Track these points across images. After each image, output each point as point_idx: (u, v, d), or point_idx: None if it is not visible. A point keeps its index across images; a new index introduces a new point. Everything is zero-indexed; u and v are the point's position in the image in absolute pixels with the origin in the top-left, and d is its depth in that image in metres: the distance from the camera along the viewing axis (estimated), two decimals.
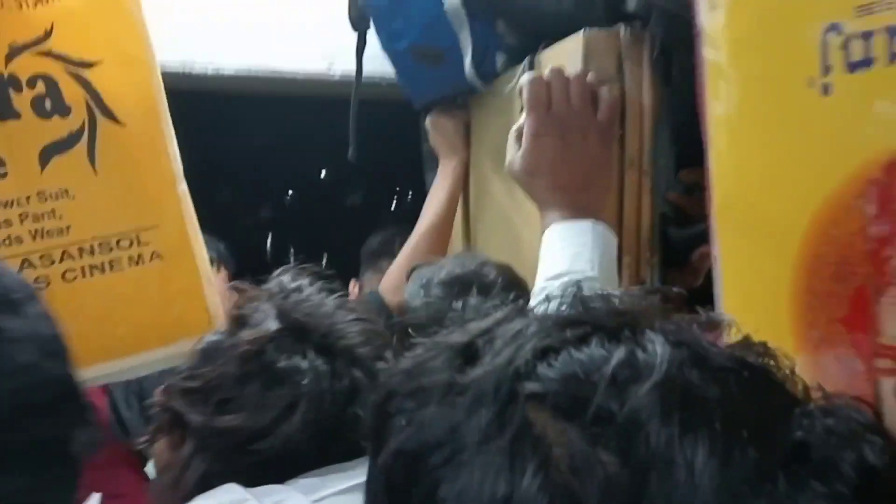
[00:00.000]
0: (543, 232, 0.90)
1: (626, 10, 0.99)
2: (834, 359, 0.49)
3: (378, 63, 1.47)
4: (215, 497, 0.61)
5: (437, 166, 1.57)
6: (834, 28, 0.48)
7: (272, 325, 0.69)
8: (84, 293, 0.83)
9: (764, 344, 0.41)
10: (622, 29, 1.01)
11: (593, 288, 0.76)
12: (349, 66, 1.52)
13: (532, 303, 0.85)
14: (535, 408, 0.36)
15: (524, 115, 0.91)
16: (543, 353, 0.38)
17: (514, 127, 0.93)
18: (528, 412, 0.36)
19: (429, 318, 0.96)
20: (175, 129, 0.94)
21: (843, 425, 0.37)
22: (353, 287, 1.78)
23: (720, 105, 0.57)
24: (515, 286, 1.00)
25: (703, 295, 1.13)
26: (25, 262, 0.80)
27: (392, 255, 1.55)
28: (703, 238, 1.14)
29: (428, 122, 1.49)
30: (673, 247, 1.02)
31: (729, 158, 0.57)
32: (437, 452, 0.36)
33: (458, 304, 0.97)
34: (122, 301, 0.85)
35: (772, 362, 0.40)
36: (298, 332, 0.69)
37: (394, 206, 1.84)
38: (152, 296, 0.86)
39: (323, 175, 1.63)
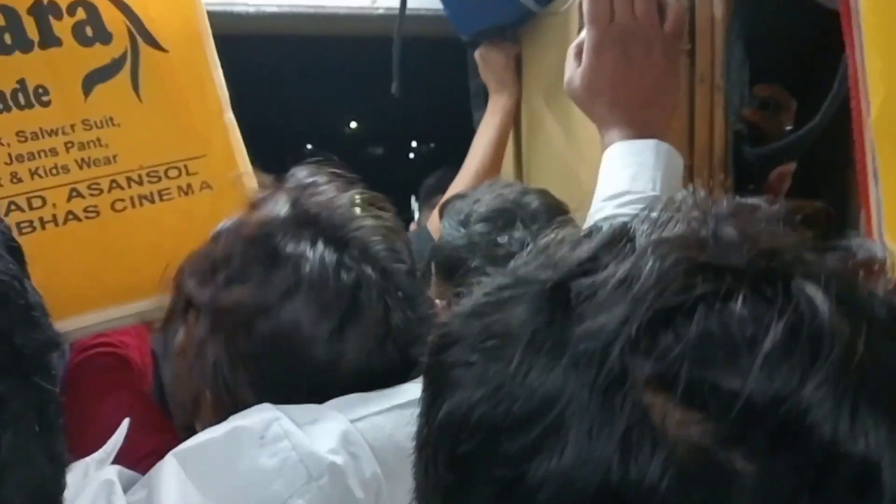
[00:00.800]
0: (603, 153, 0.85)
1: None
2: None
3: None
4: (249, 416, 0.59)
5: (485, 104, 1.51)
6: None
7: (283, 210, 0.68)
8: (135, 223, 0.81)
9: None
10: None
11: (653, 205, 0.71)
12: (391, 2, 1.46)
13: (586, 225, 0.81)
14: (655, 391, 0.28)
15: (584, 30, 0.86)
16: (667, 317, 0.28)
17: (574, 43, 0.87)
18: (645, 397, 0.28)
19: (473, 254, 0.93)
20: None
21: None
22: (413, 227, 1.76)
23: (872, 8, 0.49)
24: (561, 214, 0.96)
25: None
26: (74, 192, 0.78)
27: (445, 190, 1.52)
28: (781, 156, 1.08)
29: (477, 55, 1.43)
30: (749, 166, 0.95)
31: (888, 62, 0.49)
32: (523, 429, 0.29)
33: (504, 239, 0.93)
34: (173, 231, 0.83)
35: None
36: (309, 220, 0.67)
37: (413, 155, 1.81)
38: (204, 226, 0.83)
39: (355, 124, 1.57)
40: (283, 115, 1.76)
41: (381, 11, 1.49)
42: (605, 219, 0.79)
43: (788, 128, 1.03)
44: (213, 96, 0.86)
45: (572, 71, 0.87)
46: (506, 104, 1.39)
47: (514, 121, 1.43)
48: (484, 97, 1.52)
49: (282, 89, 1.70)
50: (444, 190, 1.55)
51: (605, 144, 0.85)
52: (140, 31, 0.83)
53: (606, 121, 0.85)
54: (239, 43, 1.49)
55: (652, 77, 0.84)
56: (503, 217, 0.94)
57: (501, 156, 1.42)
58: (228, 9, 1.41)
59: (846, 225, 0.88)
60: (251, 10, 1.42)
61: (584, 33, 0.86)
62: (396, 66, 1.38)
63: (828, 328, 0.27)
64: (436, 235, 1.34)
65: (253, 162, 0.90)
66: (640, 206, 0.61)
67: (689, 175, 0.94)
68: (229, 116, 0.88)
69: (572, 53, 0.87)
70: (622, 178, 0.81)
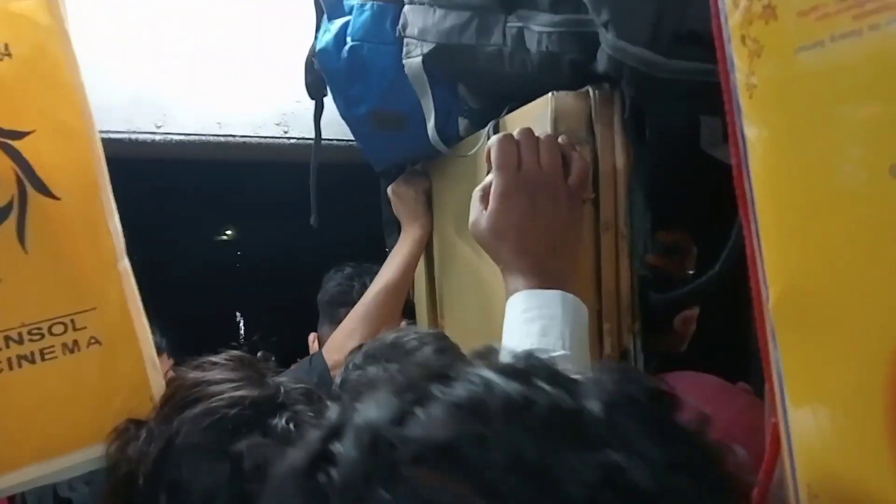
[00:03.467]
0: (507, 299, 0.85)
1: (594, 72, 0.96)
2: None
3: (335, 128, 1.42)
4: None
5: (397, 231, 1.52)
6: None
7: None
8: (11, 388, 0.74)
9: None
10: (591, 90, 0.98)
11: (565, 367, 0.72)
12: (304, 131, 1.47)
13: None
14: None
15: (491, 174, 0.87)
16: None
17: (479, 186, 0.89)
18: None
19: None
20: (120, 198, 0.87)
21: None
22: (313, 341, 1.69)
23: (767, 186, 0.49)
24: (445, 352, 0.98)
25: (685, 360, 1.08)
26: None
27: (350, 303, 1.49)
28: (685, 302, 1.11)
29: (389, 191, 1.45)
30: (654, 312, 0.97)
31: (788, 243, 0.49)
32: None
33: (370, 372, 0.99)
34: (55, 394, 0.76)
35: None
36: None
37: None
38: (90, 386, 0.77)
39: (279, 243, 1.55)
40: (191, 239, 1.72)
41: (293, 141, 1.50)
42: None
43: (691, 272, 1.07)
44: (107, 245, 0.81)
45: (478, 213, 0.87)
46: (416, 235, 1.41)
47: (425, 252, 1.44)
48: (396, 224, 1.52)
49: (188, 213, 1.66)
50: (349, 303, 1.52)
51: (510, 290, 0.85)
52: (30, 178, 0.78)
53: (511, 265, 0.85)
54: (147, 167, 1.46)
55: (558, 225, 0.85)
56: (378, 354, 1.03)
57: (406, 283, 1.43)
58: (135, 136, 1.38)
59: (749, 372, 0.90)
60: (157, 138, 1.40)
61: (489, 177, 0.88)
62: (314, 198, 1.37)
63: None
64: (336, 357, 1.31)
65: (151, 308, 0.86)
66: None
67: (598, 319, 0.94)
68: (124, 265, 0.83)
69: (477, 196, 0.88)
70: (531, 333, 0.81)
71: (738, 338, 0.96)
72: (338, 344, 1.35)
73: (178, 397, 0.75)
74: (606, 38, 0.89)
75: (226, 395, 0.73)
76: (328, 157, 1.47)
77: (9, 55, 0.78)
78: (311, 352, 1.61)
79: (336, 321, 1.55)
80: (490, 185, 0.87)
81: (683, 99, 0.93)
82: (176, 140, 1.41)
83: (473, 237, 0.89)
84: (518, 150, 0.87)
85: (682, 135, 0.96)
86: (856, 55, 0.42)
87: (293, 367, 1.41)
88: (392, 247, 1.51)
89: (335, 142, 1.48)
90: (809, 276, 0.48)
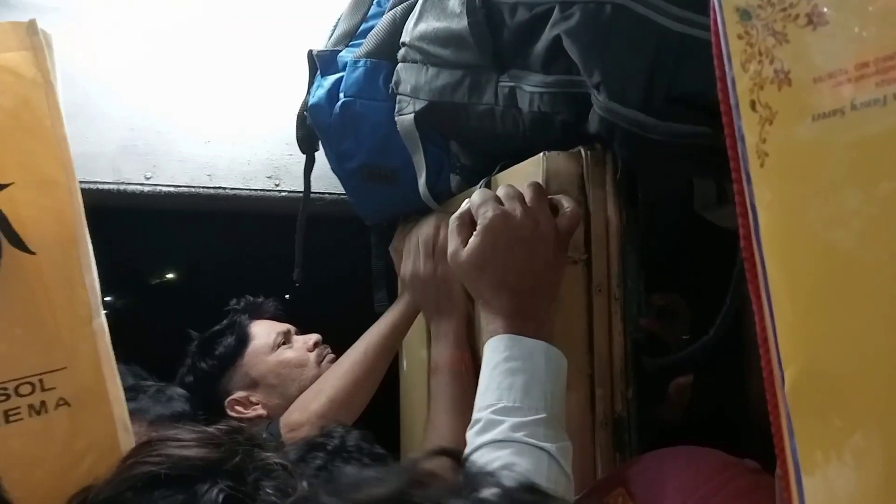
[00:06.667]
0: (486, 339, 0.83)
1: (586, 132, 0.95)
2: None
3: (326, 181, 1.41)
4: None
5: (385, 285, 1.49)
6: None
7: None
8: None
9: None
10: (582, 151, 0.97)
11: (546, 433, 0.70)
12: (296, 184, 1.46)
13: (476, 431, 0.77)
14: None
15: (466, 204, 0.88)
16: None
17: (456, 215, 0.88)
18: None
19: None
20: (105, 248, 0.85)
21: None
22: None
23: (780, 259, 0.47)
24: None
25: (680, 430, 1.05)
26: None
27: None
28: (680, 368, 1.09)
29: (391, 249, 1.41)
30: (648, 378, 0.94)
31: (805, 322, 0.46)
32: None
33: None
34: (18, 459, 0.72)
35: None
36: None
37: None
38: (57, 451, 0.73)
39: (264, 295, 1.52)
40: (177, 292, 1.70)
41: (284, 194, 1.48)
42: (500, 442, 0.76)
43: (685, 337, 1.04)
44: (81, 301, 0.79)
45: (456, 245, 0.87)
46: (409, 299, 1.34)
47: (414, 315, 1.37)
48: (386, 278, 1.50)
49: (178, 265, 1.65)
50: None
51: (489, 330, 0.84)
52: (6, 232, 0.76)
53: (490, 303, 0.85)
54: (137, 219, 1.44)
55: (541, 264, 0.84)
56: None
57: (392, 349, 1.33)
58: (127, 187, 1.36)
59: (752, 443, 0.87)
60: (146, 189, 1.38)
61: (464, 205, 0.88)
62: (299, 252, 1.35)
63: None
64: (297, 416, 1.23)
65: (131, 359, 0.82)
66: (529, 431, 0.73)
67: (590, 385, 0.92)
68: (99, 322, 0.80)
69: (455, 226, 0.88)
70: (515, 387, 0.80)
71: (738, 406, 0.93)
72: (302, 404, 1.27)
73: (131, 456, 0.70)
74: (598, 99, 0.88)
75: (168, 453, 0.68)
76: (318, 210, 1.46)
77: None
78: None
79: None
80: (467, 213, 0.87)
81: (676, 161, 0.92)
82: (165, 192, 1.40)
83: (453, 268, 0.89)
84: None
85: (675, 197, 0.95)
86: (880, 123, 0.40)
87: None
88: (381, 302, 1.47)
89: (326, 195, 1.47)
90: (829, 357, 0.45)
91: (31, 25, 0.80)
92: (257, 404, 1.41)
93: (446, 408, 1.10)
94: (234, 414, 1.40)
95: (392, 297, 1.45)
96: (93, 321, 0.79)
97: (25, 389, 0.73)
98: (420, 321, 1.32)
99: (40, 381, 0.74)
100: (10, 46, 0.80)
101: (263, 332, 1.47)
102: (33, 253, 0.77)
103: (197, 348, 1.45)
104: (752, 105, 0.49)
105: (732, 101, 0.51)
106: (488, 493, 0.40)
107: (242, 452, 0.69)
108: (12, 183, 0.77)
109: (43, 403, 0.74)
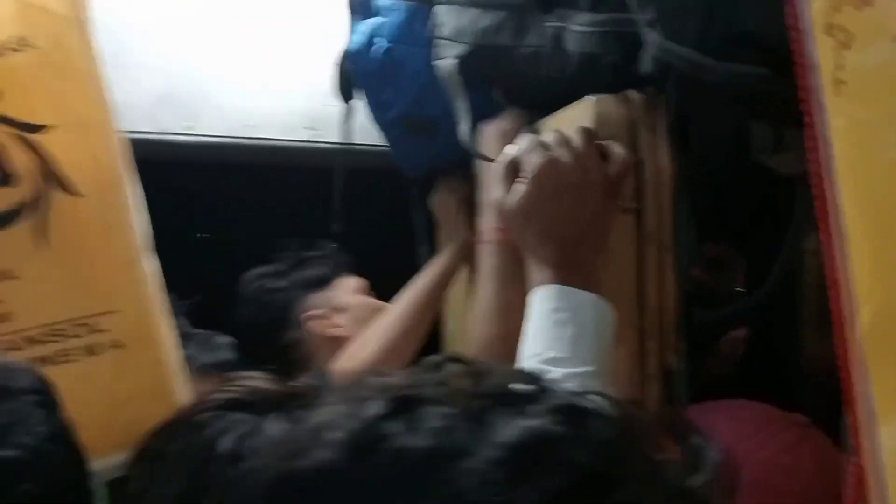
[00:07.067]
0: (533, 287, 0.82)
1: (636, 75, 0.91)
2: None
3: (366, 133, 1.39)
4: None
5: (429, 238, 1.48)
6: None
7: None
8: None
9: None
10: (633, 94, 0.93)
11: (594, 387, 0.68)
12: (333, 135, 1.44)
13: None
14: None
15: (512, 150, 0.85)
16: None
17: (501, 162, 0.85)
18: None
19: None
20: (149, 200, 0.85)
21: None
22: None
23: (858, 192, 0.44)
24: None
25: (730, 384, 1.03)
26: None
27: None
28: (733, 322, 1.06)
29: (431, 201, 1.39)
30: (699, 331, 0.92)
31: (884, 257, 0.44)
32: None
33: None
34: (73, 399, 0.73)
35: None
36: None
37: None
38: (110, 392, 0.74)
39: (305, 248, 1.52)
40: (218, 245, 1.70)
41: (321, 144, 1.47)
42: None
43: (737, 289, 1.01)
44: (129, 244, 0.79)
45: (503, 191, 0.85)
46: (453, 248, 1.33)
47: (464, 265, 1.35)
48: (427, 232, 1.48)
49: (216, 218, 1.65)
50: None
51: (535, 280, 0.82)
52: (50, 174, 0.76)
53: (536, 252, 0.83)
54: (175, 170, 1.44)
55: (588, 212, 0.82)
56: None
57: (436, 301, 1.32)
58: (166, 137, 1.36)
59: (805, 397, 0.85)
60: (187, 139, 1.38)
61: (510, 149, 0.85)
62: (337, 201, 1.34)
63: None
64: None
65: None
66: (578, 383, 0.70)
67: (640, 337, 0.90)
68: (149, 266, 0.80)
69: (500, 172, 0.85)
70: (563, 339, 0.78)
71: (791, 360, 0.91)
72: (350, 353, 1.27)
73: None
74: (651, 37, 0.85)
75: (245, 385, 0.68)
76: (358, 162, 1.44)
77: (26, 47, 0.75)
78: None
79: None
80: (514, 161, 0.84)
81: (733, 104, 0.89)
82: (206, 142, 1.39)
83: (498, 215, 0.86)
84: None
85: (729, 142, 0.92)
86: None
87: None
88: (423, 256, 1.46)
89: (366, 147, 1.45)
90: None
91: None
92: (340, 326, 1.41)
93: (487, 276, 1.09)
94: (307, 329, 1.41)
95: (434, 251, 1.44)
96: (141, 263, 0.79)
97: (78, 331, 0.74)
98: (464, 277, 1.31)
99: (92, 322, 0.74)
100: None
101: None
102: (79, 195, 0.77)
103: (282, 267, 1.45)
104: (828, 29, 0.46)
105: (803, 27, 0.48)
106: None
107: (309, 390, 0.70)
108: (53, 125, 0.77)
109: (96, 345, 0.74)
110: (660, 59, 0.84)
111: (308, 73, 1.48)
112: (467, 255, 1.32)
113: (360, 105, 1.32)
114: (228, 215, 1.64)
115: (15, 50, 0.73)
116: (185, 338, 1.22)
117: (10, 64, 0.73)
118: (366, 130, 1.37)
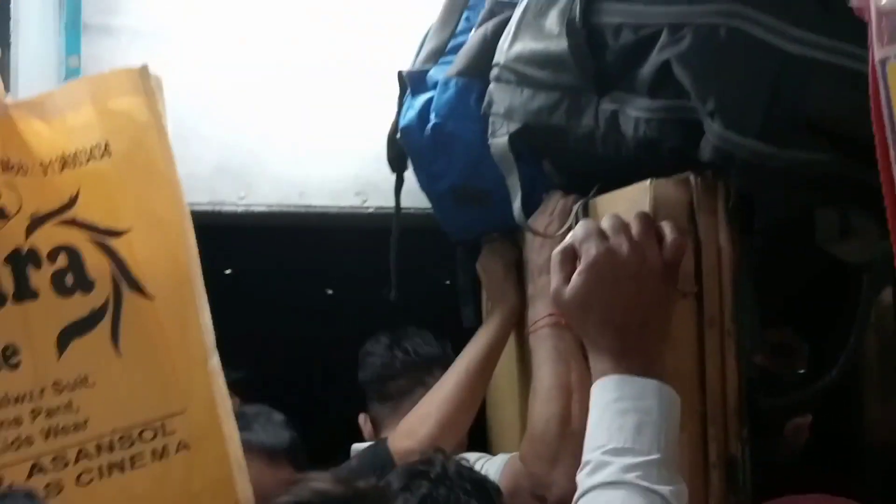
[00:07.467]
0: (594, 381, 0.81)
1: (695, 157, 0.91)
2: None
3: (411, 196, 1.41)
4: None
5: (473, 300, 1.48)
6: None
7: None
8: (100, 497, 0.72)
9: None
10: (692, 177, 0.93)
11: (659, 475, 0.67)
12: (382, 200, 1.46)
13: (587, 472, 0.76)
14: None
15: (569, 238, 0.84)
16: None
17: (558, 249, 0.85)
18: None
19: None
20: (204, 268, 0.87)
21: None
22: (364, 422, 1.60)
23: None
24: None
25: (795, 472, 1.00)
26: (35, 468, 0.70)
27: (395, 375, 1.46)
28: (797, 409, 1.04)
29: (478, 266, 1.39)
30: (763, 417, 0.90)
31: None
32: None
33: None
34: (142, 502, 0.74)
35: None
36: None
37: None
38: (176, 492, 0.75)
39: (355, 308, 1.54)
40: (272, 310, 1.72)
41: (370, 210, 1.49)
42: (611, 484, 0.74)
43: (801, 371, 1.00)
44: (197, 343, 0.80)
45: (560, 282, 0.83)
46: (503, 314, 1.31)
47: (512, 330, 1.34)
48: (472, 293, 1.48)
49: (267, 282, 1.68)
50: (395, 375, 1.48)
51: (597, 371, 0.81)
52: (125, 277, 0.78)
53: (598, 342, 0.82)
54: (230, 237, 1.47)
55: (648, 298, 0.81)
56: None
57: (491, 364, 1.32)
58: (218, 208, 1.39)
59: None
60: (240, 209, 1.41)
61: (568, 238, 0.84)
62: (393, 272, 1.35)
63: None
64: (402, 442, 1.23)
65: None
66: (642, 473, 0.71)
67: (702, 423, 0.88)
68: (214, 362, 0.82)
69: (557, 261, 0.84)
70: (626, 428, 0.77)
71: (854, 447, 0.89)
72: (409, 429, 1.26)
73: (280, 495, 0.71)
74: (712, 127, 0.84)
75: (310, 487, 0.69)
76: (404, 225, 1.46)
77: (108, 153, 0.78)
78: (365, 434, 1.52)
79: (386, 398, 1.48)
80: (570, 248, 0.83)
81: (797, 189, 0.87)
82: (258, 211, 1.42)
83: (556, 307, 0.86)
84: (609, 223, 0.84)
85: (793, 227, 0.91)
86: None
87: (353, 455, 1.35)
88: (468, 317, 1.46)
89: (412, 210, 1.46)
90: None
91: (144, 70, 0.82)
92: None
93: (547, 357, 1.10)
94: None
95: (478, 313, 1.44)
96: (208, 361, 0.81)
97: (148, 435, 0.75)
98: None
99: (162, 425, 0.76)
100: (125, 91, 0.81)
101: None
102: (151, 297, 0.78)
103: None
104: None
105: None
106: None
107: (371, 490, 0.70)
108: (130, 228, 0.79)
109: (165, 448, 0.76)
110: (721, 147, 0.84)
111: (357, 141, 1.51)
112: (517, 322, 1.32)
113: (410, 173, 1.33)
114: (283, 278, 1.66)
115: (98, 156, 0.76)
116: (247, 418, 1.22)
117: (94, 170, 0.76)
118: (413, 195, 1.38)
